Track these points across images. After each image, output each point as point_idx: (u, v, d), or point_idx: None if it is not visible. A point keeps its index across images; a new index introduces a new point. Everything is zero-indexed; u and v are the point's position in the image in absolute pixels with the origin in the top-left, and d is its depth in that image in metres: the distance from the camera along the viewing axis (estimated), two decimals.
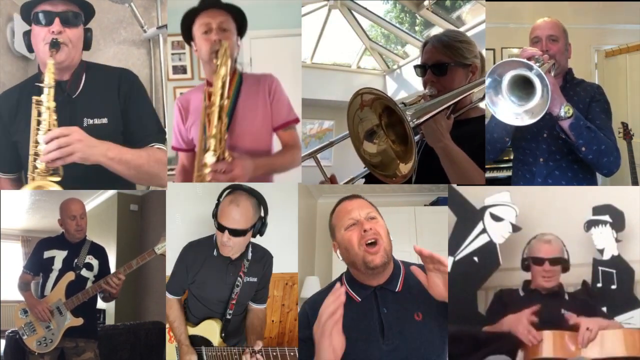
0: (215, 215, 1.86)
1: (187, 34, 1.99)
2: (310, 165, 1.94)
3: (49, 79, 1.78)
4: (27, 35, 1.90)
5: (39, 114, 1.78)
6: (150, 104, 2.11)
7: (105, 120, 1.92)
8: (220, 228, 1.83)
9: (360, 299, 1.51)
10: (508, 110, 1.58)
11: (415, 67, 1.82)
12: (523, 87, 1.56)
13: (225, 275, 1.93)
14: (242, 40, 2.03)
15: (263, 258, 2.01)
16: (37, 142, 1.76)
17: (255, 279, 1.98)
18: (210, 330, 1.94)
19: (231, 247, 1.86)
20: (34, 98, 1.79)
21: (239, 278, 1.93)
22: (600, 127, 1.85)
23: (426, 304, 1.47)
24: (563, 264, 1.92)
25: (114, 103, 1.95)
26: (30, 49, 1.91)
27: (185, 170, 2.11)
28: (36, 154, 1.75)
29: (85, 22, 1.94)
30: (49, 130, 1.75)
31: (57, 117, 1.81)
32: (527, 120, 1.56)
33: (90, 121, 1.90)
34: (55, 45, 1.81)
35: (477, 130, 1.74)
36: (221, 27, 1.91)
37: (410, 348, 1.44)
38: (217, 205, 1.87)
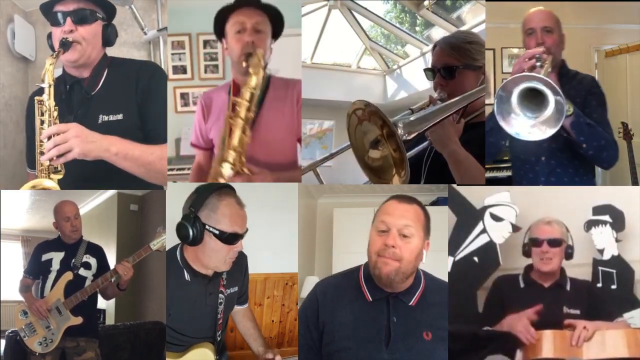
0: (206, 225, 1.57)
1: (220, 31, 1.89)
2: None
3: (48, 79, 1.79)
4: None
5: (42, 114, 1.78)
6: (166, 100, 2.03)
7: (120, 116, 1.89)
8: (232, 238, 1.59)
9: (371, 300, 1.47)
10: (525, 126, 1.56)
11: (425, 70, 1.78)
12: (533, 99, 1.54)
13: (205, 298, 1.66)
14: (275, 42, 1.92)
15: (240, 262, 1.76)
16: (41, 141, 1.76)
17: (236, 288, 1.77)
18: (204, 358, 1.69)
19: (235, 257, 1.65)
20: (36, 98, 1.80)
21: (220, 295, 1.69)
22: (598, 121, 1.84)
23: (438, 325, 1.45)
24: (564, 247, 1.92)
25: (131, 98, 1.92)
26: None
27: (201, 169, 2.02)
28: (41, 152, 1.75)
29: (105, 18, 1.96)
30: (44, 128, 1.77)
31: (75, 115, 1.85)
32: (547, 132, 1.54)
33: (105, 118, 1.88)
34: (64, 45, 1.83)
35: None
36: (256, 28, 1.81)
37: None
38: (198, 218, 1.57)
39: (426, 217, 1.49)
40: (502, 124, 1.57)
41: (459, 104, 1.56)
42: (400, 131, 1.40)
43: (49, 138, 1.70)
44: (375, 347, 1.42)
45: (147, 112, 1.93)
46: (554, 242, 1.91)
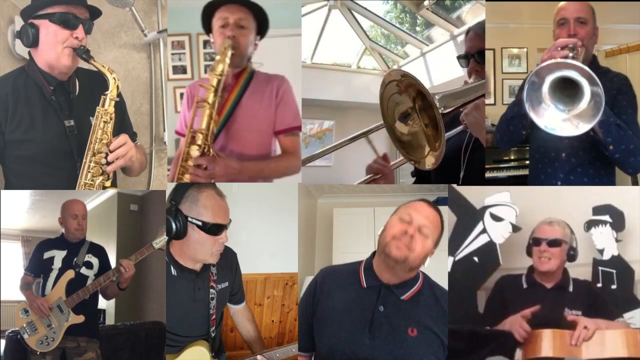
0: (188, 217, 1.58)
1: (207, 25, 1.96)
2: (310, 166, 1.94)
3: (114, 93, 1.84)
4: (33, 27, 1.84)
5: (104, 125, 1.83)
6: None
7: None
8: (215, 229, 1.59)
9: (366, 286, 1.50)
10: (556, 119, 1.49)
11: (459, 57, 1.77)
12: (565, 90, 1.48)
13: (193, 293, 1.66)
14: (261, 39, 2.00)
15: (228, 258, 1.79)
16: (94, 152, 1.81)
17: (227, 284, 1.77)
18: (200, 356, 1.69)
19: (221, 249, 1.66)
20: (101, 110, 1.83)
21: (211, 290, 1.69)
22: (627, 123, 1.73)
23: (426, 325, 1.46)
24: (564, 247, 1.90)
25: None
26: (34, 41, 1.86)
27: None
28: (94, 162, 1.81)
29: None
30: (106, 139, 1.82)
31: (65, 115, 1.88)
32: (581, 127, 1.46)
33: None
34: (86, 52, 1.84)
35: None
36: (238, 23, 1.88)
37: (392, 355, 1.43)
38: (179, 211, 1.59)
39: (442, 228, 1.52)
40: (532, 114, 1.51)
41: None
42: (437, 103, 1.41)
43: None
44: (359, 330, 1.45)
45: (117, 119, 2.00)
46: (553, 242, 1.90)
